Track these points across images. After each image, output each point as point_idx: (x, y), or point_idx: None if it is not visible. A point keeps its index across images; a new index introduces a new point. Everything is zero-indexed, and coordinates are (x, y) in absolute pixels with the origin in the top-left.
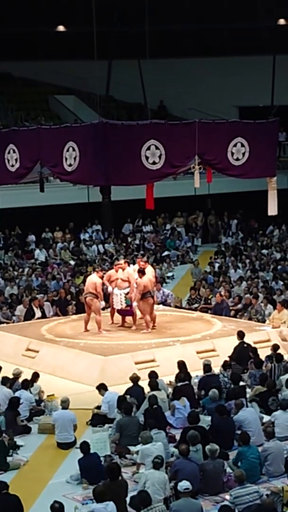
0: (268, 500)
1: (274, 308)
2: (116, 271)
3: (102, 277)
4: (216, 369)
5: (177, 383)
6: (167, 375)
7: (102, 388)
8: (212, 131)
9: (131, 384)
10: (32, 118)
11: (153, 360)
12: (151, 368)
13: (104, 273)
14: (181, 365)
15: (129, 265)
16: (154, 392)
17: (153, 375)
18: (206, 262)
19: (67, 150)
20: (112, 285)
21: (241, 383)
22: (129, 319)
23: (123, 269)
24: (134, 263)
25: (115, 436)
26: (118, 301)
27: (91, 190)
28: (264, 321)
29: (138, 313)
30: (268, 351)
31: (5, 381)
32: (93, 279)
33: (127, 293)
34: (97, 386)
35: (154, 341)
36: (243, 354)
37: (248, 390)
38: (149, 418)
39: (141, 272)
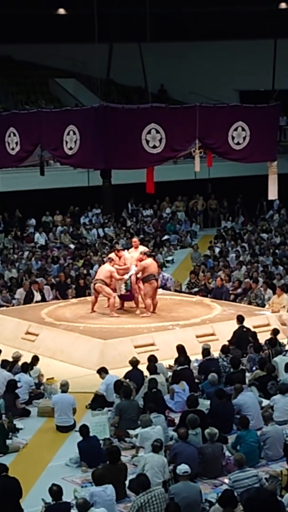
0: (268, 484)
1: (274, 292)
2: (115, 256)
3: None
4: (216, 353)
5: (176, 367)
6: (167, 359)
7: (103, 371)
8: (212, 115)
9: (130, 367)
10: (33, 101)
11: (152, 344)
12: (151, 352)
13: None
14: (181, 349)
15: (123, 251)
16: (154, 376)
17: (152, 359)
18: (206, 247)
19: (68, 134)
20: None
21: (241, 367)
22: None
23: (120, 257)
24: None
25: (115, 419)
26: (118, 287)
27: (92, 174)
28: (263, 306)
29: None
30: (268, 336)
31: (5, 364)
32: (107, 267)
33: (127, 278)
34: (98, 370)
35: (153, 325)
36: (243, 339)
37: (247, 374)
38: (149, 401)
39: (145, 254)
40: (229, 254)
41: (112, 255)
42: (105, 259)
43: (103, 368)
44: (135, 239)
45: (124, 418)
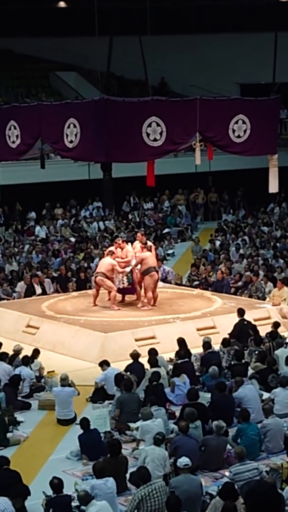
0: (268, 477)
1: (275, 285)
2: (116, 248)
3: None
4: (216, 346)
5: (177, 360)
6: (167, 352)
7: (104, 364)
8: (213, 108)
9: (131, 360)
10: (33, 94)
11: (153, 337)
12: (151, 345)
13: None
14: (181, 342)
15: (127, 244)
16: (156, 369)
17: (153, 352)
18: (206, 240)
19: (68, 127)
20: None
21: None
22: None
23: (122, 248)
24: (134, 240)
25: (115, 412)
26: (119, 280)
27: (92, 167)
28: (264, 299)
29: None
30: (268, 329)
31: (4, 356)
32: (109, 260)
33: (129, 272)
34: (100, 362)
35: (154, 318)
36: (243, 332)
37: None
38: (149, 394)
39: (145, 246)
40: (230, 247)
41: (113, 248)
42: (105, 252)
43: (104, 361)
44: (140, 233)
45: (125, 411)
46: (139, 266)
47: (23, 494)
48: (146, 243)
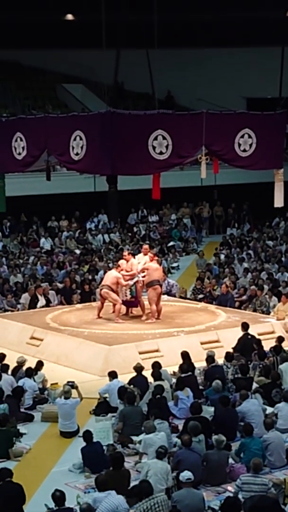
0: (271, 492)
1: (279, 300)
2: (124, 259)
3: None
4: (220, 360)
5: (180, 373)
6: (171, 366)
7: (111, 375)
8: (219, 122)
9: (135, 373)
10: (40, 106)
11: (157, 350)
12: (155, 358)
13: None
14: (185, 355)
15: (133, 257)
16: (159, 382)
17: (156, 365)
18: (211, 253)
19: (74, 139)
20: None
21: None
22: (136, 309)
23: (127, 261)
24: (139, 253)
25: (118, 425)
26: (123, 293)
27: (98, 179)
28: (268, 313)
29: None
30: (273, 343)
31: (6, 368)
32: (114, 273)
33: (132, 285)
34: (109, 372)
35: (158, 331)
36: (247, 346)
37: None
38: (153, 408)
39: (154, 257)
40: (235, 261)
41: (121, 261)
42: (112, 265)
43: (113, 372)
44: (145, 246)
45: (128, 424)
46: (142, 274)
47: None
48: (154, 255)
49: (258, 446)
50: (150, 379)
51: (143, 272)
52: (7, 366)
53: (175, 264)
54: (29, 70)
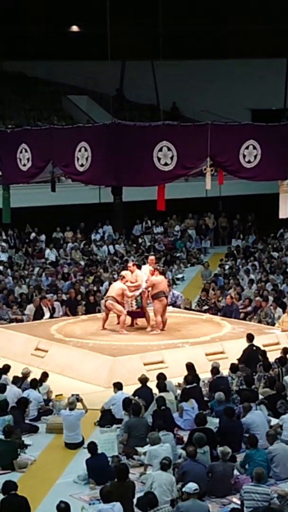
0: (275, 503)
1: (284, 311)
2: (129, 270)
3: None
4: (225, 371)
5: (185, 385)
6: (176, 377)
7: (116, 386)
8: (224, 133)
9: (139, 385)
10: (45, 117)
11: (162, 362)
12: (160, 370)
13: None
14: (190, 367)
15: (138, 268)
16: (163, 394)
17: (161, 377)
18: (216, 264)
19: (79, 150)
20: None
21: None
22: (140, 320)
23: (132, 272)
24: (144, 264)
25: (123, 436)
26: (129, 303)
27: (103, 191)
28: (273, 324)
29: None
30: (277, 354)
31: (15, 380)
32: (119, 285)
33: (138, 295)
34: (114, 383)
35: (163, 342)
36: (252, 357)
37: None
38: (157, 419)
39: (157, 270)
40: (240, 272)
41: (124, 272)
42: (117, 276)
43: (118, 383)
44: (151, 257)
45: (133, 436)
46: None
47: None
48: (162, 272)
49: (263, 457)
50: (155, 390)
51: (149, 288)
52: (17, 378)
53: (180, 275)
54: (34, 81)
